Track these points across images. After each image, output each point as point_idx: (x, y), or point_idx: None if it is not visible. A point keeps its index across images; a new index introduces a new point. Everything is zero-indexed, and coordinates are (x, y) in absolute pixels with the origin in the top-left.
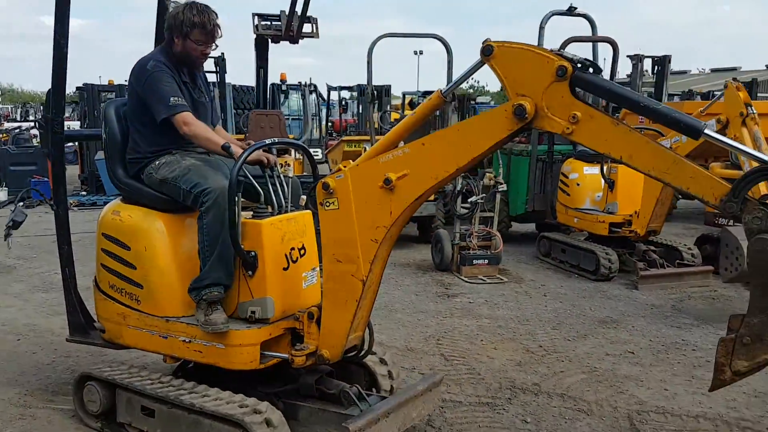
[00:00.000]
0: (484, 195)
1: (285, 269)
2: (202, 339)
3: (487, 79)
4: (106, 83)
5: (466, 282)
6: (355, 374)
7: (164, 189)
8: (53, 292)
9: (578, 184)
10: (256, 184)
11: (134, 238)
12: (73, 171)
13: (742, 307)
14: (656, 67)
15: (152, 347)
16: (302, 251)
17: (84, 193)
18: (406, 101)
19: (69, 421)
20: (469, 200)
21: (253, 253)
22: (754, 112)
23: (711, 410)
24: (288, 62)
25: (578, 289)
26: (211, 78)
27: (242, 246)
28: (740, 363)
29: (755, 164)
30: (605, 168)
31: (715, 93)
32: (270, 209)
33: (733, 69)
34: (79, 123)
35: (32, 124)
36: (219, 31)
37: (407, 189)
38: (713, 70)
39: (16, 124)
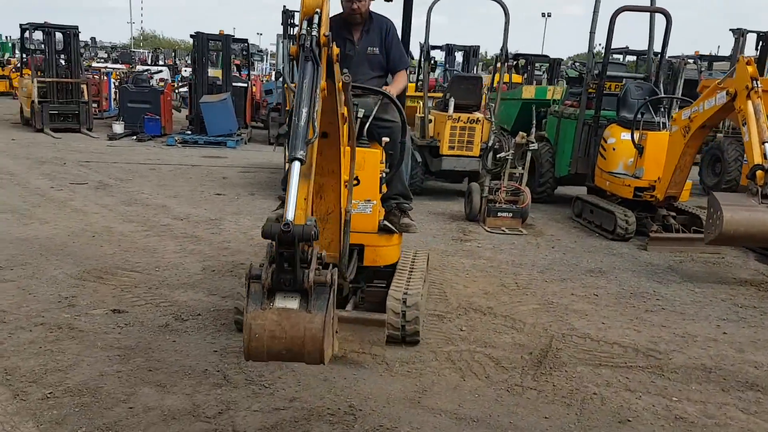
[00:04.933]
0: (512, 152)
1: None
2: None
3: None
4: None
5: (488, 231)
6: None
7: None
8: (135, 206)
9: (614, 149)
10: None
11: None
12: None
13: (737, 273)
14: (760, 43)
15: None
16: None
17: (189, 132)
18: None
19: (112, 291)
20: (498, 156)
21: None
22: (759, 86)
23: (631, 341)
24: (418, 20)
25: (588, 246)
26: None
27: None
28: None
29: (754, 131)
30: (636, 135)
31: None
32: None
33: None
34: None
35: (160, 68)
36: None
37: None
38: None
39: (145, 67)
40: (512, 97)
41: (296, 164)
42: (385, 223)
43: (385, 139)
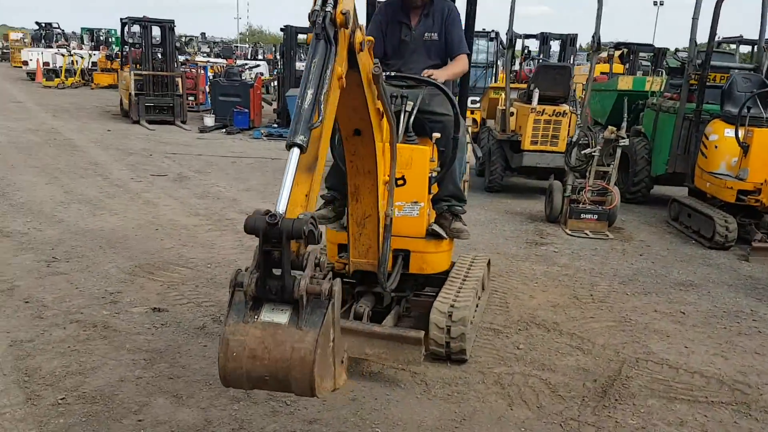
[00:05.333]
0: (599, 148)
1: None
2: None
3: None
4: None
5: (568, 234)
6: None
7: None
8: (206, 199)
9: (716, 147)
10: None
11: None
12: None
13: None
14: None
15: None
16: (400, 181)
17: (275, 125)
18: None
19: (158, 288)
20: (584, 152)
21: None
22: None
23: (717, 371)
24: (523, 11)
25: (682, 254)
26: None
27: None
28: None
29: None
30: (741, 131)
31: None
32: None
33: None
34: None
35: (258, 63)
36: None
37: None
38: None
39: (243, 62)
40: (607, 88)
41: (294, 151)
42: (434, 227)
43: (436, 135)
